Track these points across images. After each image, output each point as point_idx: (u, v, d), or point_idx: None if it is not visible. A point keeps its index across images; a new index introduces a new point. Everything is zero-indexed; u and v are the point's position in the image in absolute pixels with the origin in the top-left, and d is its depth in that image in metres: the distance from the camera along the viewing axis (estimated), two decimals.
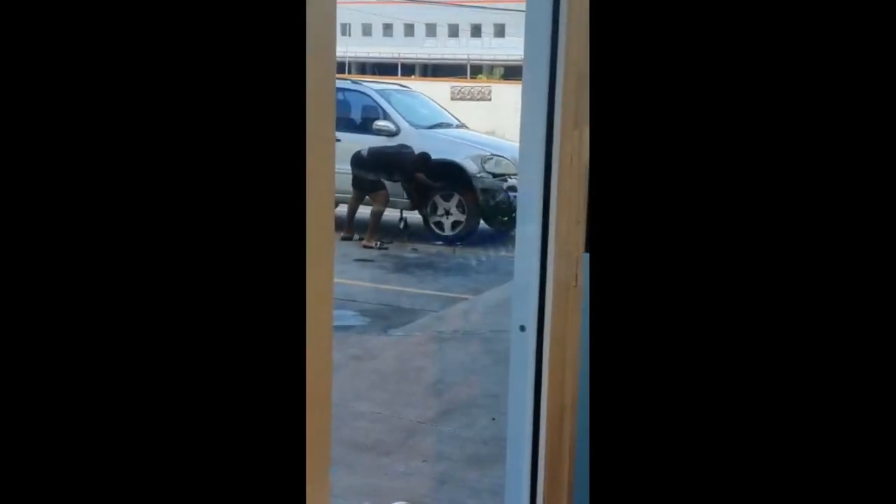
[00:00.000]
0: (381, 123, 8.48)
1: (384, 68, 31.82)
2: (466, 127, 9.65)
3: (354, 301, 5.64)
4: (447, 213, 8.13)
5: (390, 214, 8.63)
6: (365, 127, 8.59)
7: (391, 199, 8.11)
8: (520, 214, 1.62)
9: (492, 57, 34.17)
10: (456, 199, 8.10)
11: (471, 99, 24.18)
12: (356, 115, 8.76)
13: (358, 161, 7.87)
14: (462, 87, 24.50)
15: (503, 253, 7.69)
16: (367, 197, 7.91)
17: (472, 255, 7.62)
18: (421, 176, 8.00)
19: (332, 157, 0.99)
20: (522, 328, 1.61)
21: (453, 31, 34.59)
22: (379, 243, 7.80)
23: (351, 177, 7.80)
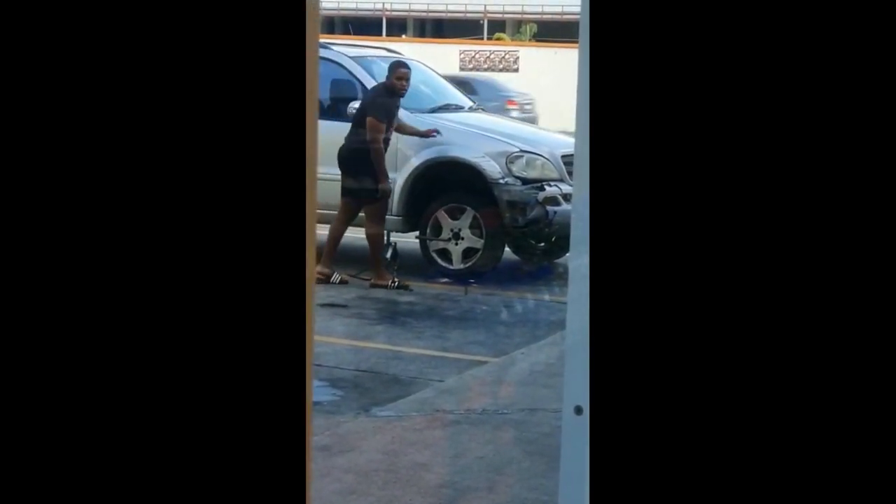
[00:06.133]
0: (357, 106, 8.49)
1: (363, 25, 32.16)
2: (484, 110, 9.72)
3: (321, 365, 5.63)
4: (457, 236, 8.13)
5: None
6: (335, 110, 8.62)
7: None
8: (574, 241, 1.61)
9: (518, 8, 34.45)
10: (469, 216, 8.10)
11: (489, 69, 24.40)
12: (322, 94, 8.81)
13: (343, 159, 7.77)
14: (477, 52, 24.75)
15: (546, 297, 7.71)
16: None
17: (495, 299, 7.64)
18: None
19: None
20: (579, 410, 1.60)
21: None
22: (396, 281, 7.78)
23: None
